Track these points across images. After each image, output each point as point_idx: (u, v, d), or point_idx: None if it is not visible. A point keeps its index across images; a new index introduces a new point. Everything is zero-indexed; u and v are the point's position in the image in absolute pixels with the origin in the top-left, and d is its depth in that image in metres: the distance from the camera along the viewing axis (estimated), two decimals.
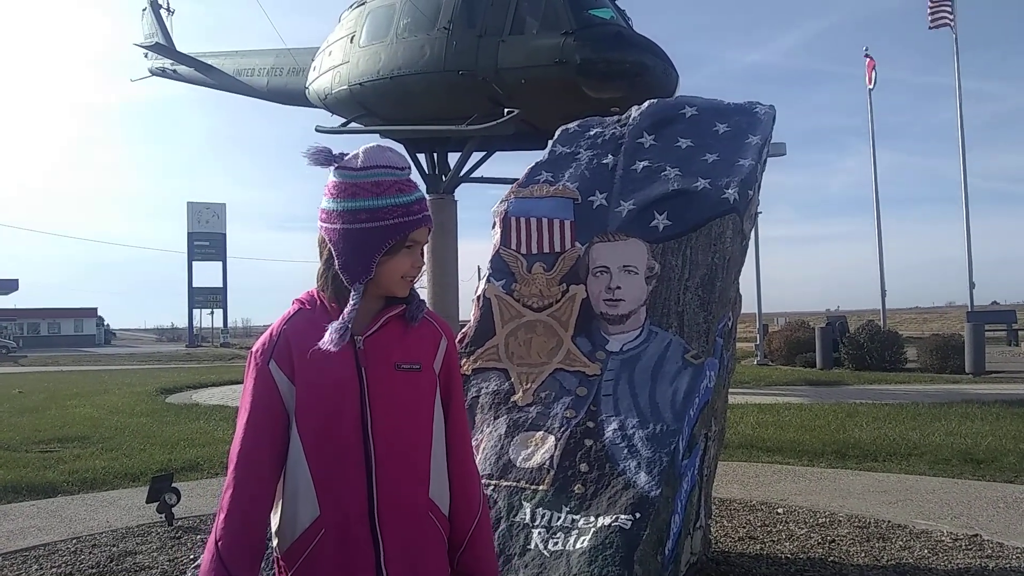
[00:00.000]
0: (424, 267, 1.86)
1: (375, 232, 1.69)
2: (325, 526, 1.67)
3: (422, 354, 1.78)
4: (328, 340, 1.66)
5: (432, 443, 1.77)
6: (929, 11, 29.13)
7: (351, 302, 1.70)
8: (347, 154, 1.76)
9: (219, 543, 1.66)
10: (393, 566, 1.67)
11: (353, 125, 18.35)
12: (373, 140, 19.60)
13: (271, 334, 1.76)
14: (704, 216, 3.94)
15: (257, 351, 1.75)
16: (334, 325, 1.68)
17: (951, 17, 28.86)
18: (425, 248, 1.84)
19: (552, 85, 14.66)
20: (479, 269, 4.20)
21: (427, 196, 1.85)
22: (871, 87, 30.82)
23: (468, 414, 3.69)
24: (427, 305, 1.91)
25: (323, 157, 1.74)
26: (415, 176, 1.82)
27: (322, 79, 18.40)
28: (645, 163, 4.29)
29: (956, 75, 29.23)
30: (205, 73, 23.86)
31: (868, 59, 30.99)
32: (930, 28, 29.19)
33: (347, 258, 1.71)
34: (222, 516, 1.69)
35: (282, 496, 1.72)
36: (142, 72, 26.63)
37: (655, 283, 3.83)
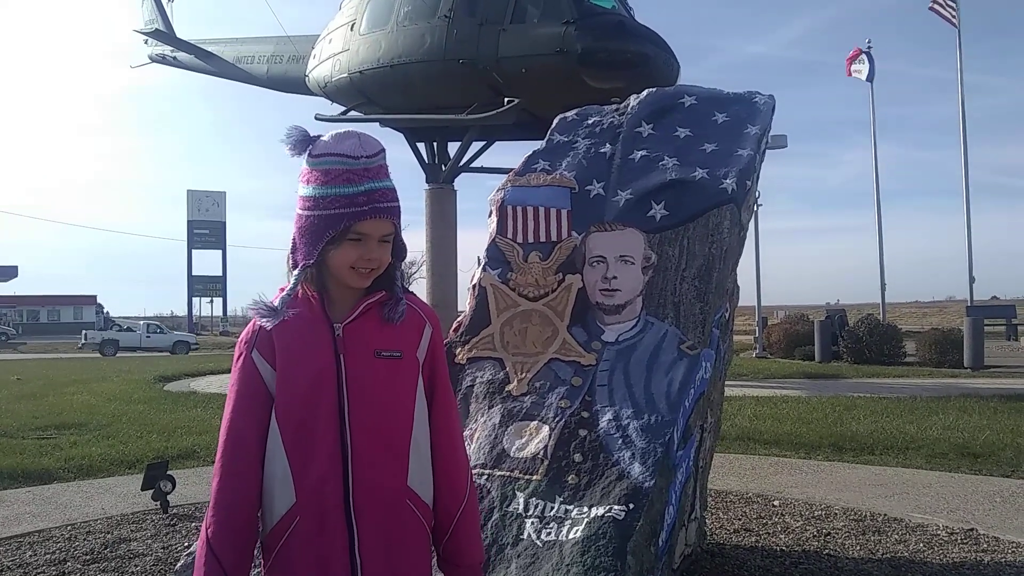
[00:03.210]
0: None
1: (318, 221, 1.67)
2: (300, 513, 1.67)
3: (404, 342, 1.76)
4: (264, 321, 1.70)
5: (413, 431, 1.74)
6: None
7: (289, 286, 1.73)
8: (320, 137, 1.74)
9: (208, 531, 1.69)
10: (367, 554, 1.66)
11: (353, 113, 18.28)
12: (372, 128, 19.40)
13: (254, 323, 1.76)
14: (702, 206, 3.91)
15: (242, 340, 1.78)
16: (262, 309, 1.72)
17: (954, 12, 28.79)
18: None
19: (553, 74, 14.59)
20: (479, 259, 4.17)
21: (391, 186, 1.77)
22: (868, 78, 30.68)
23: (462, 403, 3.67)
24: (417, 295, 1.88)
25: (297, 144, 1.73)
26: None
27: (322, 67, 18.32)
28: (643, 152, 4.26)
29: (959, 69, 29.19)
30: (205, 60, 23.78)
31: (856, 51, 30.86)
32: (930, 8, 29.10)
33: (296, 242, 1.73)
34: (210, 504, 1.72)
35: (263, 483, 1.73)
36: (142, 59, 26.57)
37: (652, 273, 3.80)
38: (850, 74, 30.82)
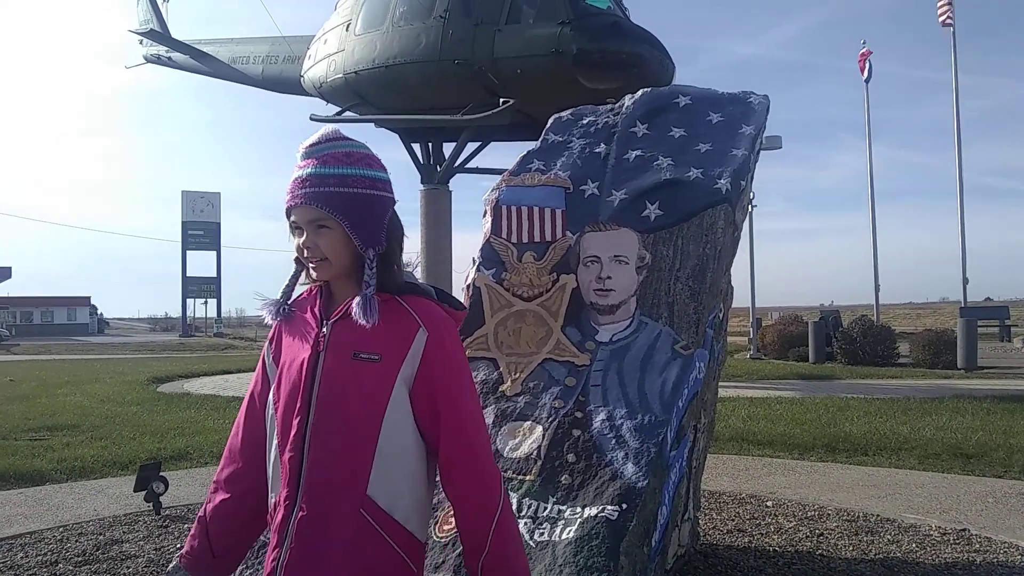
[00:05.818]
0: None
1: None
2: (276, 507, 1.71)
3: (386, 345, 1.65)
4: (263, 312, 1.79)
5: (379, 439, 1.63)
6: (939, 11, 29.28)
7: (287, 279, 1.79)
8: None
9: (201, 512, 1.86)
10: (292, 554, 1.62)
11: (348, 114, 18.24)
12: (368, 129, 19.29)
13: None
14: (696, 206, 3.91)
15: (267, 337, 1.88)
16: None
17: (951, 18, 28.96)
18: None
19: (548, 75, 14.58)
20: (474, 259, 4.16)
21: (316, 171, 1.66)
22: (866, 79, 30.78)
23: None
24: (426, 295, 1.75)
25: None
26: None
27: (317, 67, 18.30)
28: (638, 152, 4.26)
29: (953, 70, 29.27)
30: (200, 61, 23.74)
31: (862, 53, 30.98)
32: (944, 25, 29.28)
33: None
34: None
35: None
36: (137, 59, 26.50)
37: (646, 273, 3.80)
38: (863, 71, 30.83)
